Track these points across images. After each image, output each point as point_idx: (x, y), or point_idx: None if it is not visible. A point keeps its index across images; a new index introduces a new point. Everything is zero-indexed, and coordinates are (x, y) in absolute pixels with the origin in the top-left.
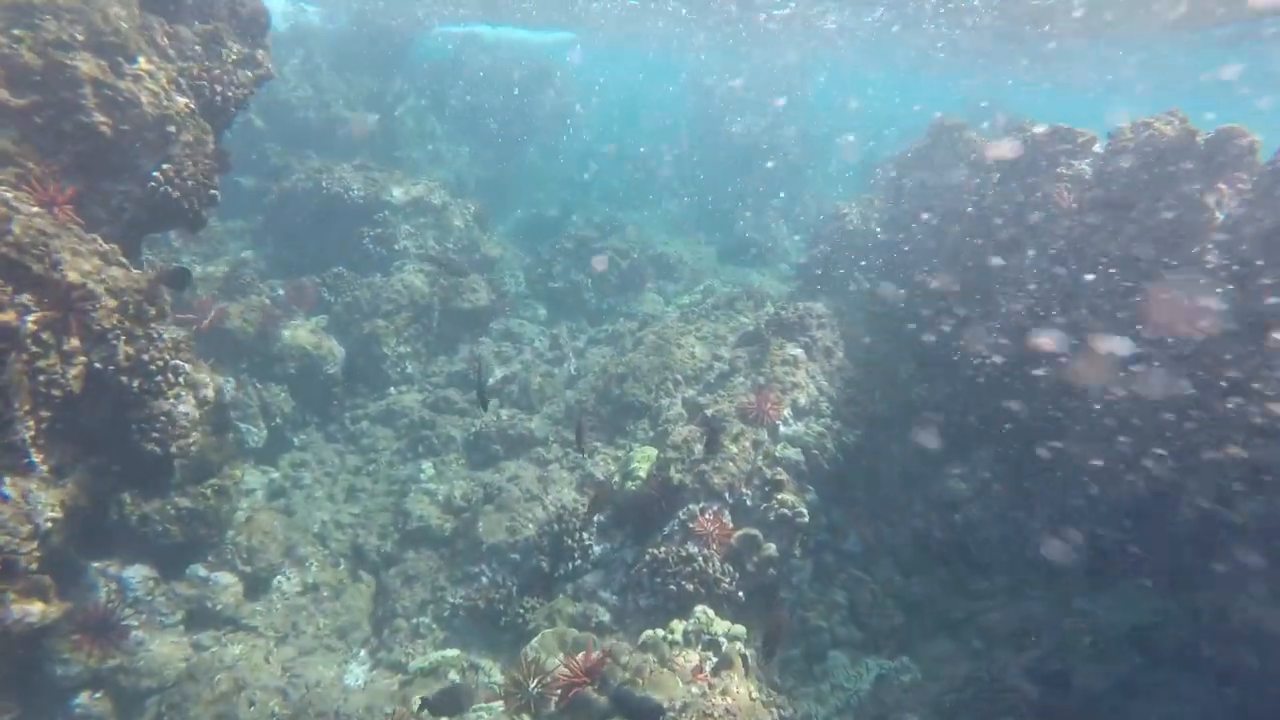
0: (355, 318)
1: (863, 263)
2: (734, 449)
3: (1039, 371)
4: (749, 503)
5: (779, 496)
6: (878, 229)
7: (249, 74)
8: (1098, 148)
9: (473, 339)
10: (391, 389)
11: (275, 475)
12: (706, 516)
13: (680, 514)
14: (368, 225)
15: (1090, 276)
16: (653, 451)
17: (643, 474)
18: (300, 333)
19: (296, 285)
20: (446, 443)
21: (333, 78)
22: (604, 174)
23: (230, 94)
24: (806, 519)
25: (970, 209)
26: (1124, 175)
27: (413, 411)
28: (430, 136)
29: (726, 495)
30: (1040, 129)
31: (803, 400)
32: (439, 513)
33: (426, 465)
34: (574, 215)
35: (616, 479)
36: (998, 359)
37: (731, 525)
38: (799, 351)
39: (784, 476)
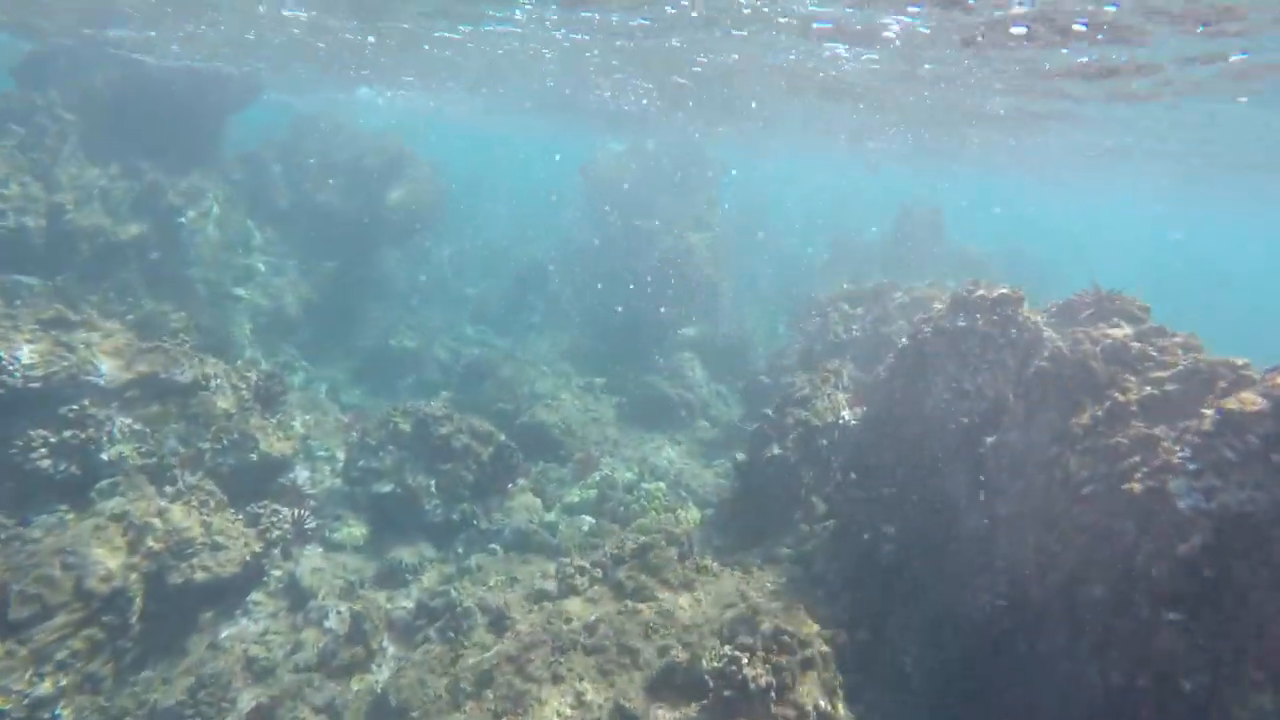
0: None
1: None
2: None
3: None
4: None
5: None
6: (854, 423)
7: None
8: None
9: (211, 630)
10: None
11: None
12: None
13: None
14: (48, 426)
15: None
16: None
17: None
18: None
19: None
20: None
21: (79, 167)
22: (481, 281)
23: None
24: None
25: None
26: None
27: None
28: (245, 248)
29: None
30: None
31: None
32: None
33: None
34: (435, 346)
35: None
36: None
37: None
38: None
39: None
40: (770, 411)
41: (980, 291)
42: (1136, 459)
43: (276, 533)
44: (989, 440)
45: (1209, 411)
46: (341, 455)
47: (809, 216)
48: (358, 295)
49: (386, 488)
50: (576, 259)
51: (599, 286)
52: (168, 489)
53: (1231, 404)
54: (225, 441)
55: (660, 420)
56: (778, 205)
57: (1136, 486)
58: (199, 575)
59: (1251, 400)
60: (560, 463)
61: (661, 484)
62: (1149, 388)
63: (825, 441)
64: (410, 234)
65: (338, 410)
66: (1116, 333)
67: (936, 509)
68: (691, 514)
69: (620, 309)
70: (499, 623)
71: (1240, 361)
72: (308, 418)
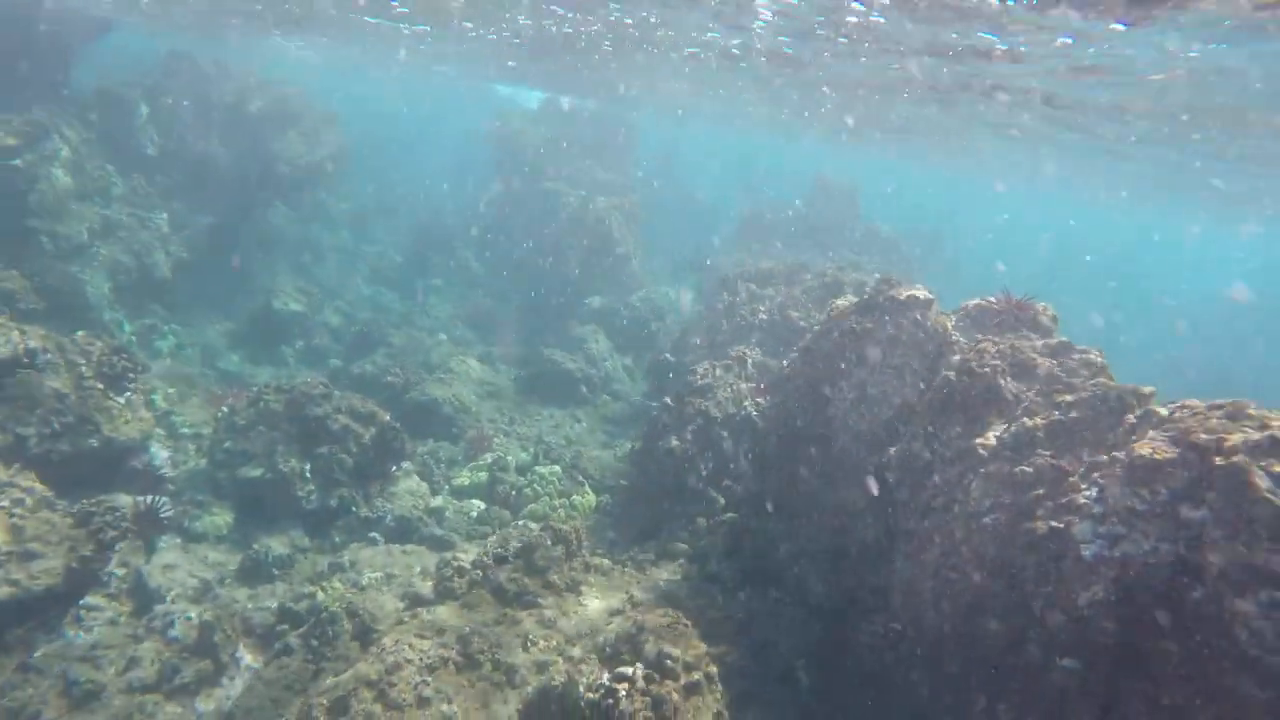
0: None
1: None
2: None
3: None
4: None
5: None
6: (754, 413)
7: None
8: None
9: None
10: None
11: None
12: None
13: None
14: None
15: None
16: None
17: None
18: None
19: None
20: None
21: None
22: (381, 239)
23: None
24: None
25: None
26: None
27: None
28: (104, 196)
29: None
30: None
31: None
32: None
33: None
34: (326, 309)
35: None
36: None
37: None
38: None
39: None
40: (669, 400)
41: (890, 292)
42: (1041, 492)
43: (112, 532)
44: (891, 450)
45: (1119, 454)
46: (209, 433)
47: (724, 182)
48: (240, 253)
49: (255, 472)
50: (482, 220)
51: (504, 250)
52: None
53: (1143, 449)
54: (56, 425)
55: (561, 395)
56: (693, 169)
57: (1040, 525)
58: (1, 591)
59: (1162, 450)
60: (452, 441)
61: (557, 467)
62: (1056, 413)
63: (725, 433)
64: (303, 188)
65: (212, 381)
66: (1025, 345)
67: (835, 515)
68: (587, 499)
69: (525, 274)
70: (365, 635)
71: (1147, 390)
72: (171, 390)
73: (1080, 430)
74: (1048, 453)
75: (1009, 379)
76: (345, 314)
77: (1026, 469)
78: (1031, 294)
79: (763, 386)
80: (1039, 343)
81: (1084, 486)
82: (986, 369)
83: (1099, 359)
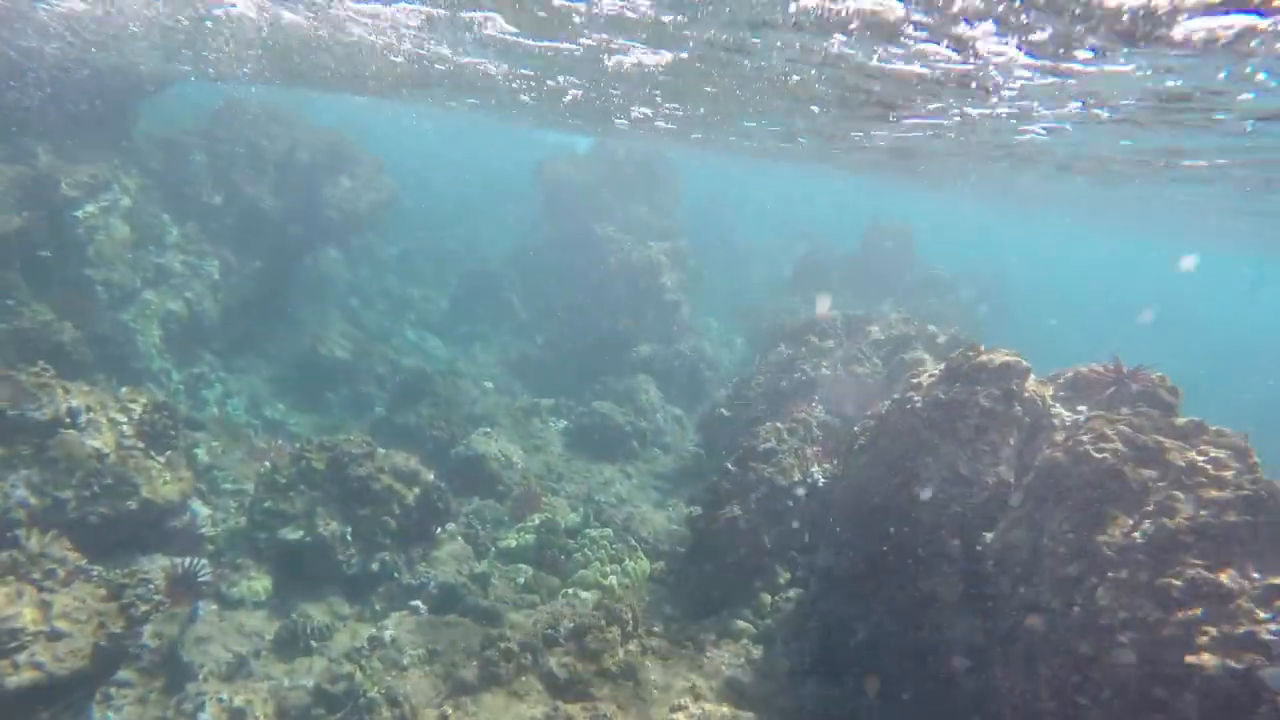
0: None
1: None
2: None
3: None
4: None
5: None
6: (820, 481)
7: None
8: None
9: None
10: None
11: None
12: None
13: None
14: None
15: None
16: None
17: None
18: None
19: None
20: None
21: None
22: (428, 282)
23: None
24: None
25: None
26: None
27: None
28: (159, 244)
29: None
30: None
31: None
32: None
33: None
34: (371, 356)
35: None
36: None
37: None
38: None
39: None
40: (731, 465)
41: (980, 358)
42: (1196, 612)
43: (144, 606)
44: (987, 537)
45: None
46: (251, 490)
47: (774, 224)
48: (289, 298)
49: (295, 535)
50: (529, 265)
51: (551, 295)
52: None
53: None
54: (95, 488)
55: (610, 450)
56: (741, 210)
57: (1208, 660)
58: (24, 677)
59: None
60: (498, 499)
61: (608, 530)
62: (1204, 512)
63: (790, 503)
64: (352, 233)
65: (255, 432)
66: (1146, 424)
67: (921, 606)
68: (640, 565)
69: (572, 321)
70: None
71: None
72: (215, 443)
73: (1237, 537)
74: (1199, 563)
75: (1133, 466)
76: (391, 361)
77: (1174, 582)
78: (1148, 364)
79: (829, 447)
80: (1162, 421)
81: (1262, 615)
82: (1105, 453)
83: (1242, 442)
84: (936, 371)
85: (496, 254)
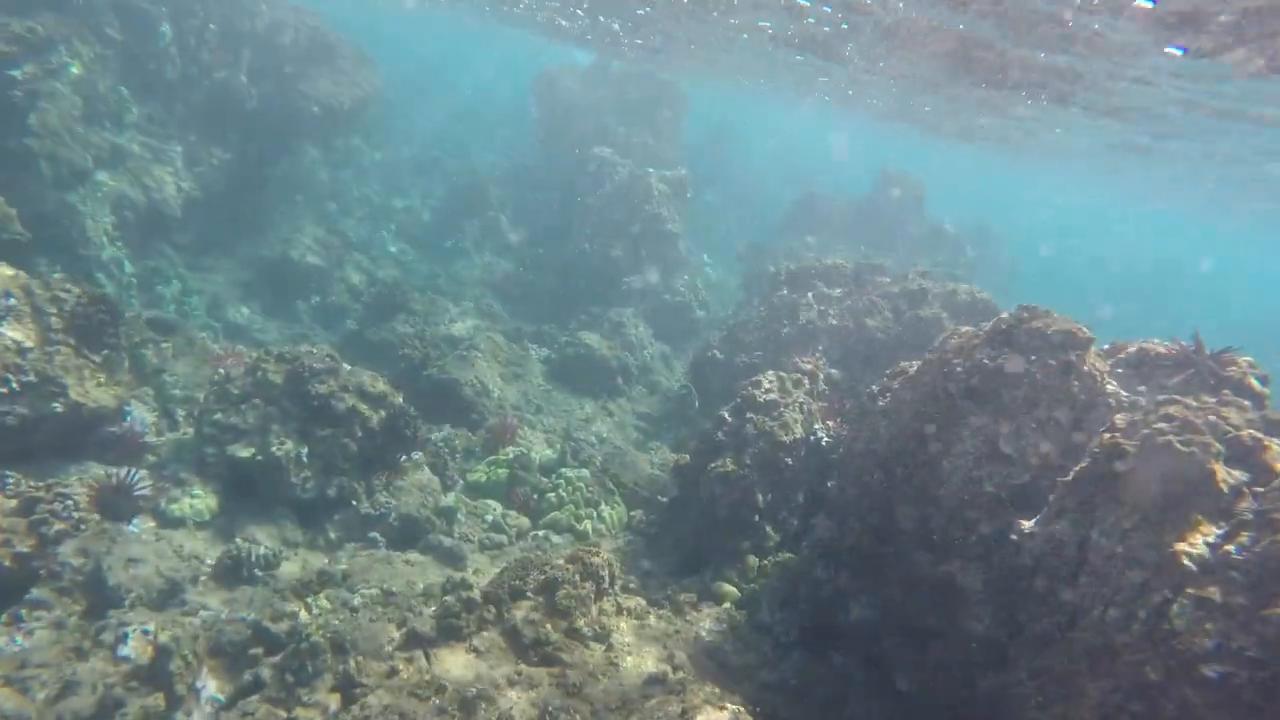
0: None
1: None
2: None
3: None
4: None
5: None
6: (827, 442)
7: None
8: None
9: None
10: None
11: None
12: None
13: None
14: None
15: None
16: None
17: None
18: None
19: None
20: None
21: None
22: (412, 194)
23: None
24: None
25: None
26: None
27: None
28: (116, 122)
29: None
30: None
31: None
32: None
33: None
34: (346, 265)
35: None
36: None
37: None
38: None
39: None
40: (728, 415)
41: (1035, 322)
42: None
43: (59, 525)
44: (1024, 526)
45: None
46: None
47: (776, 162)
48: (261, 196)
49: (246, 452)
50: (521, 182)
51: (542, 216)
52: None
53: None
54: (14, 385)
55: (593, 384)
56: (743, 146)
57: None
58: None
59: None
60: (470, 428)
61: (585, 472)
62: None
63: (790, 460)
64: (334, 133)
65: (215, 335)
66: (1235, 418)
67: (936, 589)
68: (617, 512)
69: (562, 245)
70: (348, 686)
71: None
72: (165, 344)
73: None
74: None
75: (1221, 465)
76: (367, 271)
77: None
78: (1233, 346)
79: (835, 404)
80: (1253, 413)
81: None
82: (1193, 446)
83: None
84: (980, 332)
85: (487, 168)
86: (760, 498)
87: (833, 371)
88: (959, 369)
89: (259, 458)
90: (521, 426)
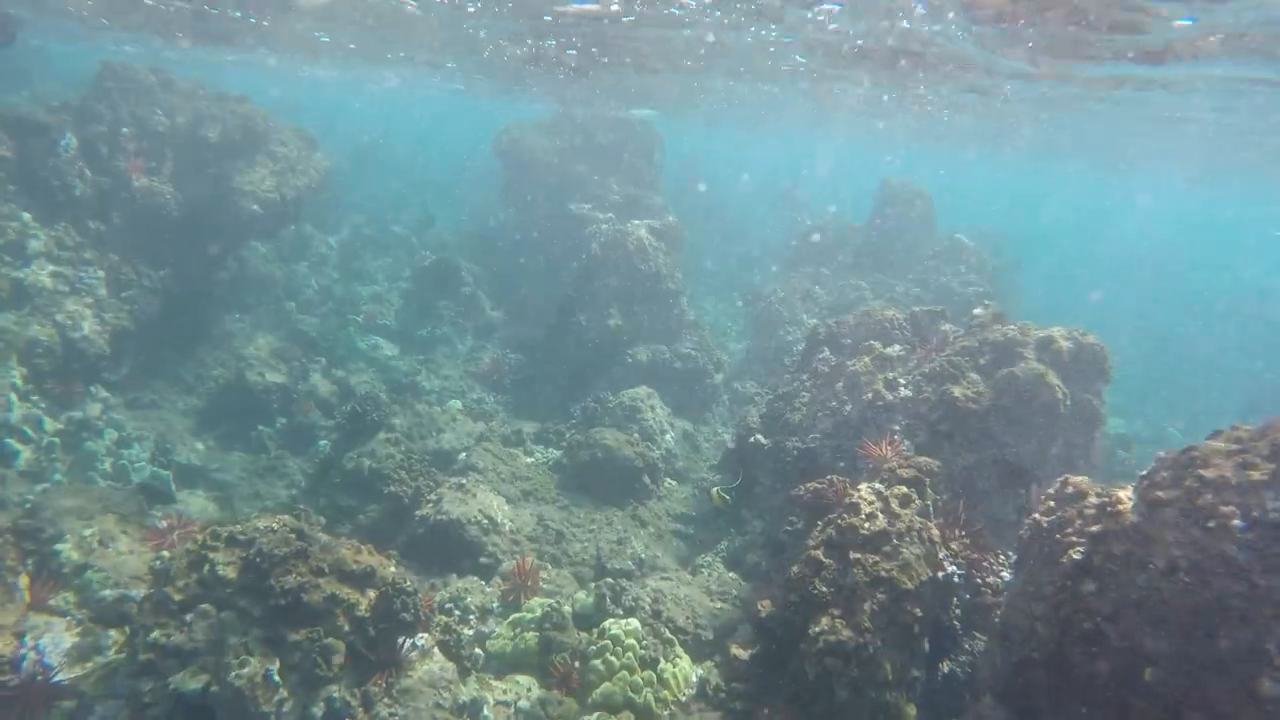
0: None
1: None
2: None
3: None
4: None
5: None
6: None
7: None
8: None
9: None
10: None
11: None
12: None
13: None
14: None
15: None
16: None
17: None
18: None
19: None
20: None
21: None
22: (377, 278)
23: None
24: None
25: None
26: None
27: None
28: (16, 253)
29: None
30: None
31: None
32: None
33: None
34: (312, 375)
35: None
36: None
37: None
38: None
39: None
40: (821, 553)
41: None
42: None
43: None
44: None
45: None
46: (135, 606)
47: (768, 196)
48: (208, 308)
49: (195, 683)
50: (496, 249)
51: (523, 288)
52: None
53: None
54: None
55: (617, 490)
56: (723, 175)
57: None
58: None
59: None
60: (481, 573)
61: (634, 622)
62: None
63: (919, 610)
64: (281, 223)
65: (167, 490)
66: None
67: None
68: (681, 668)
69: (551, 318)
70: None
71: None
72: (88, 532)
73: None
74: None
75: None
76: (337, 381)
77: None
78: None
79: (952, 522)
80: None
81: None
82: None
83: None
84: (1268, 468)
85: (457, 239)
86: (889, 669)
87: (924, 461)
88: (1238, 526)
89: (214, 689)
90: (544, 565)
